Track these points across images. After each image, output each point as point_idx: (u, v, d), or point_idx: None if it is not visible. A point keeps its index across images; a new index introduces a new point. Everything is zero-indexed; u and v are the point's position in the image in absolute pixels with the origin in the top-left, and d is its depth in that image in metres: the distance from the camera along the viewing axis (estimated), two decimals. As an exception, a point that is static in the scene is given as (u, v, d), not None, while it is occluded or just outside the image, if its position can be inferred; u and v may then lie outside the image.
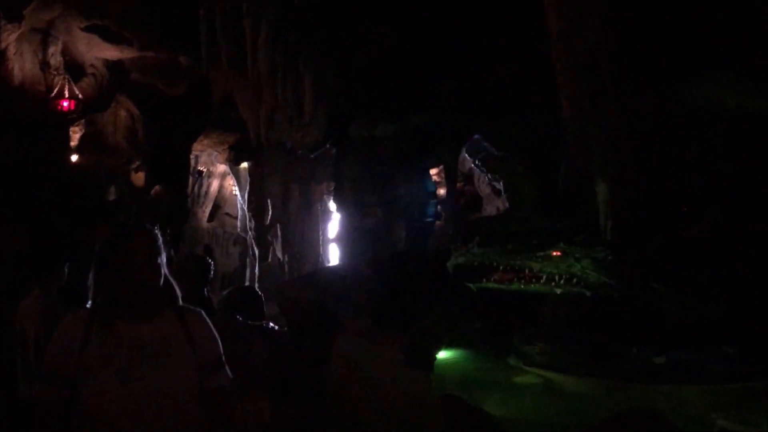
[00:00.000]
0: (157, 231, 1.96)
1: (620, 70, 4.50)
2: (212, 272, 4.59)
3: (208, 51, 8.70)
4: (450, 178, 9.91)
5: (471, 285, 7.16)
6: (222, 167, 13.11)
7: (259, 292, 4.20)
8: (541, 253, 6.84)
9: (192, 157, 12.35)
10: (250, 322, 3.49)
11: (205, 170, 13.30)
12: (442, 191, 11.00)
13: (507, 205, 10.53)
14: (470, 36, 6.79)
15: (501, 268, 6.93)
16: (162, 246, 1.95)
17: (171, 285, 1.98)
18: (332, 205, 11.35)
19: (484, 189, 11.97)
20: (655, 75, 4.62)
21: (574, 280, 6.74)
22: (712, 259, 6.79)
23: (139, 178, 12.00)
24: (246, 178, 11.82)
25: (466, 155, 10.25)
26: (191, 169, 12.69)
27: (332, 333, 3.06)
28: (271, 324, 4.06)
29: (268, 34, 7.73)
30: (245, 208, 12.07)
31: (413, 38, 7.03)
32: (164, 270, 1.95)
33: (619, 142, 4.54)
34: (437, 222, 10.48)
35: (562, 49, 4.35)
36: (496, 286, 7.09)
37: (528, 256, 6.87)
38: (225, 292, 4.32)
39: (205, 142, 11.68)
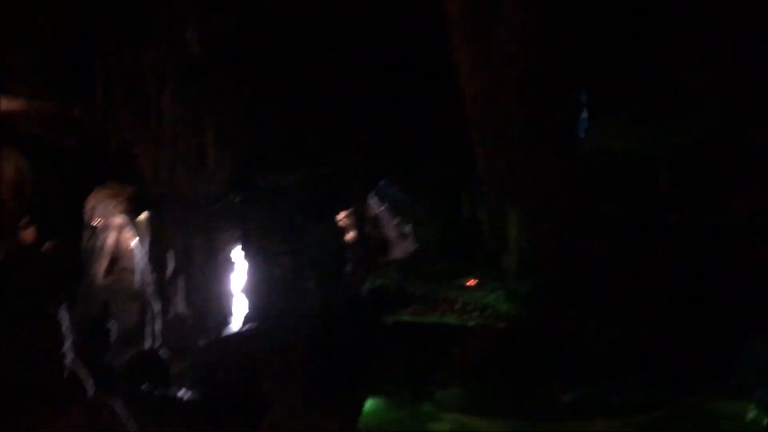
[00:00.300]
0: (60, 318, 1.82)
1: (534, 123, 4.71)
2: (111, 338, 4.37)
3: (104, 100, 8.40)
4: (358, 223, 9.94)
5: (386, 318, 7.16)
6: (119, 219, 12.58)
7: (162, 356, 4.02)
8: (458, 282, 6.95)
9: (87, 210, 11.79)
10: (156, 394, 3.32)
11: (100, 223, 12.71)
12: (349, 236, 11.02)
13: (413, 247, 10.69)
14: (379, 85, 6.91)
15: (417, 294, 6.97)
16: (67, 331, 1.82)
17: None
18: (238, 255, 11.12)
19: (391, 233, 12.11)
20: (562, 124, 4.89)
21: (488, 311, 6.88)
22: (613, 290, 7.15)
23: (28, 234, 11.30)
24: (145, 230, 11.40)
25: (374, 200, 10.36)
26: (85, 222, 12.09)
27: (255, 407, 2.95)
28: (182, 392, 3.88)
29: (169, 82, 7.56)
30: (145, 261, 11.61)
31: (322, 87, 7.07)
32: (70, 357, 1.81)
33: (532, 187, 4.75)
34: (347, 268, 10.45)
35: (478, 108, 4.50)
36: (411, 318, 7.12)
37: (445, 283, 6.95)
38: (126, 359, 4.11)
39: (101, 193, 11.19)
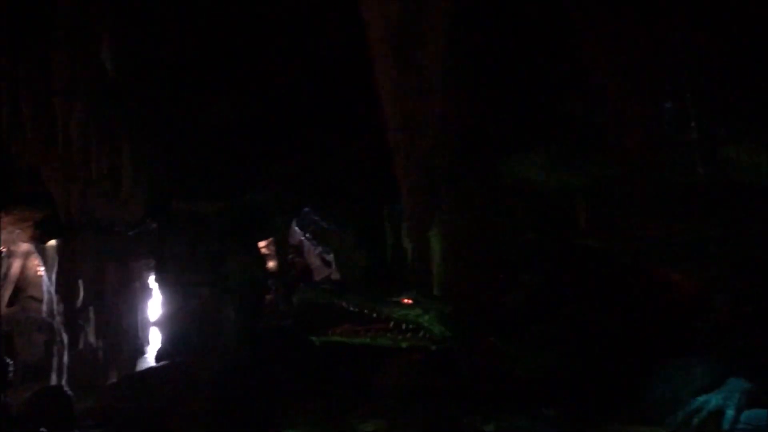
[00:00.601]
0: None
1: (457, 155, 4.78)
2: (10, 373, 4.08)
3: (9, 120, 7.98)
4: (281, 251, 9.83)
5: (314, 339, 7.02)
6: (25, 246, 11.96)
7: (67, 393, 3.78)
8: (393, 299, 6.89)
9: (-10, 236, 11.14)
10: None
11: (5, 250, 12.04)
12: (271, 264, 10.86)
13: (337, 276, 10.64)
14: (302, 113, 6.88)
15: (350, 308, 6.85)
16: None
17: None
18: (153, 284, 10.74)
19: (314, 260, 12.03)
20: (483, 157, 5.00)
21: (420, 333, 6.84)
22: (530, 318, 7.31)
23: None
24: (54, 257, 10.85)
25: (296, 227, 10.28)
26: (-12, 249, 11.43)
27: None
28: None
29: (81, 104, 7.26)
30: (52, 290, 11.04)
31: (243, 113, 6.97)
32: None
33: (454, 218, 4.83)
34: (267, 297, 10.27)
35: (401, 138, 4.51)
36: (340, 339, 7.01)
37: (379, 300, 6.87)
38: (27, 396, 3.84)
39: (6, 219, 10.61)
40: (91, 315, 10.29)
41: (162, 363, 6.98)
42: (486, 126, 4.96)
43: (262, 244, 10.82)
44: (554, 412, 6.75)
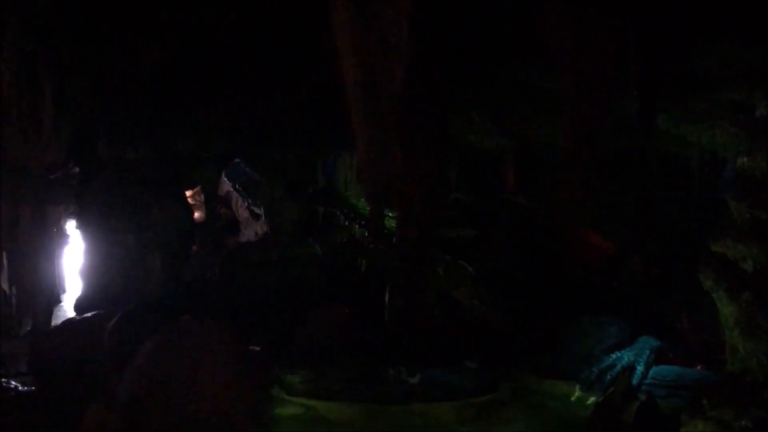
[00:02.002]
0: None
1: (414, 114, 4.81)
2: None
3: None
4: (209, 202, 9.65)
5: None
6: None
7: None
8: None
9: None
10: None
11: None
12: (197, 214, 10.66)
13: (266, 229, 10.57)
14: (236, 61, 6.68)
15: None
16: None
17: None
18: (72, 231, 10.36)
19: (242, 213, 11.88)
20: (434, 118, 5.06)
21: None
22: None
23: None
24: (-35, 200, 10.25)
25: (225, 178, 10.11)
26: None
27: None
28: (13, 383, 3.55)
29: (2, 40, 6.80)
30: (-37, 234, 10.45)
31: (175, 57, 6.71)
32: None
33: (405, 173, 4.90)
34: (194, 247, 10.11)
35: (361, 96, 4.49)
36: None
37: None
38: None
39: None
40: (5, 261, 9.85)
41: (93, 314, 6.81)
42: (440, 85, 5.02)
43: (188, 193, 10.59)
44: (476, 365, 7.09)
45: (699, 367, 6.66)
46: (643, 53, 4.13)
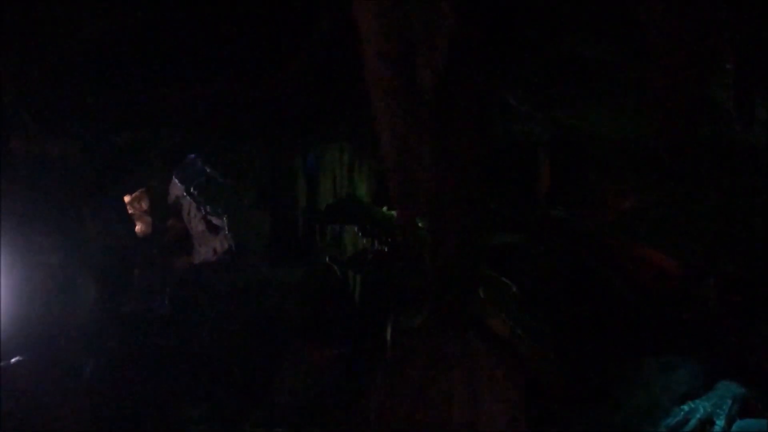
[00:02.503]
0: None
1: (454, 97, 4.81)
2: None
3: None
4: (156, 210, 9.62)
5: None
6: None
7: None
8: None
9: None
10: None
11: None
12: (139, 228, 10.59)
13: (228, 246, 10.49)
14: (195, 35, 6.69)
15: None
16: None
17: None
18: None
19: (196, 225, 11.75)
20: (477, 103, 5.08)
21: None
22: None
23: None
24: None
25: (176, 180, 10.03)
26: None
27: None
28: None
29: None
30: None
31: (115, 26, 6.70)
32: None
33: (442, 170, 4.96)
34: (135, 271, 10.06)
35: (388, 75, 4.47)
36: None
37: None
38: None
39: None
40: None
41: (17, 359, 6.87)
42: (485, 61, 5.04)
43: (128, 199, 10.54)
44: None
45: (792, 420, 6.68)
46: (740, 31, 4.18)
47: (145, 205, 11.21)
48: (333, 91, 7.66)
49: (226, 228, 9.99)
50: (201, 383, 7.94)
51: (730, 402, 6.71)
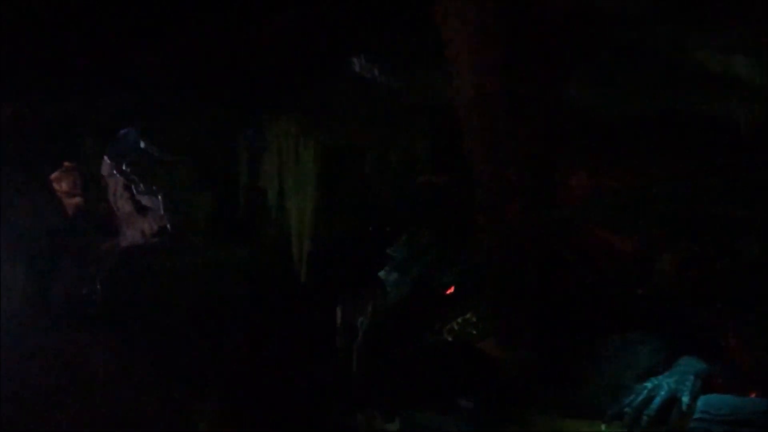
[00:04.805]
0: None
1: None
2: None
3: None
4: (89, 189, 9.34)
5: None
6: None
7: None
8: None
9: None
10: None
11: None
12: (70, 206, 10.27)
13: (159, 227, 10.21)
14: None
15: None
16: None
17: None
18: None
19: (123, 205, 11.43)
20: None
21: None
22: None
23: None
24: None
25: (106, 156, 9.73)
26: None
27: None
28: None
29: None
30: None
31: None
32: None
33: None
34: (65, 256, 9.76)
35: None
36: None
37: None
38: None
39: None
40: None
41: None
42: None
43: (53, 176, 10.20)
44: (472, 404, 7.03)
45: (753, 395, 6.81)
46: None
47: (66, 185, 10.89)
48: (279, 60, 7.52)
49: (161, 208, 9.71)
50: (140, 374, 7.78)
51: (693, 378, 6.79)
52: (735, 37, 5.57)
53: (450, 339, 7.55)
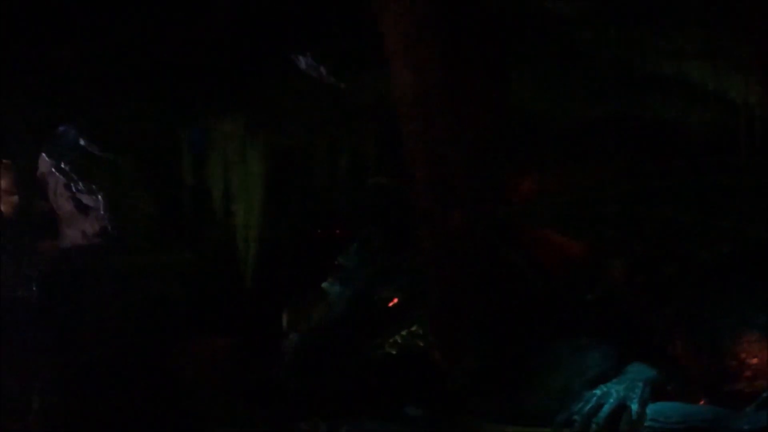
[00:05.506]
0: None
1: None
2: None
3: None
4: (25, 188, 9.10)
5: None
6: None
7: None
8: None
9: None
10: None
11: None
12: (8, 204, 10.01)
13: (101, 227, 10.04)
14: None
15: None
16: None
17: None
18: None
19: (64, 204, 11.21)
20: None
21: None
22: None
23: None
24: None
25: (43, 156, 9.50)
26: None
27: None
28: None
29: None
30: None
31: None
32: None
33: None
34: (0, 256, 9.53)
35: None
36: None
37: None
38: None
39: None
40: None
41: None
42: None
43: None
44: (418, 412, 6.98)
45: (702, 402, 6.83)
46: None
47: (4, 183, 10.63)
48: (225, 57, 7.37)
49: (101, 208, 9.53)
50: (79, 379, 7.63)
51: (641, 385, 6.81)
52: (688, 41, 5.53)
53: (393, 352, 7.53)
